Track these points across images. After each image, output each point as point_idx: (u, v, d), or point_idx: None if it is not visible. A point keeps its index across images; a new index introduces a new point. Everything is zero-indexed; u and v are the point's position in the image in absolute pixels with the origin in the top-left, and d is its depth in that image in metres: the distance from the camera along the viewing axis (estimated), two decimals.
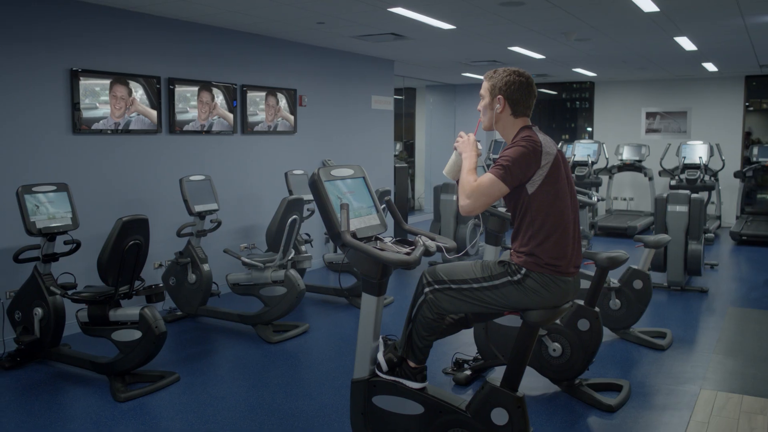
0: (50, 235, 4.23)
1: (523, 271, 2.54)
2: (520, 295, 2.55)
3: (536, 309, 2.56)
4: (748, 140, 10.92)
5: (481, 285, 2.59)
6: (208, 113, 6.07)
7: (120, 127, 5.29)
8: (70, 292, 4.10)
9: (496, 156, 10.63)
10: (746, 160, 10.44)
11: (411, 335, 2.75)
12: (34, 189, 4.24)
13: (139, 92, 5.41)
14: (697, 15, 5.69)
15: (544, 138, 2.61)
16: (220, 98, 6.19)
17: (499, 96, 2.65)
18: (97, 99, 5.11)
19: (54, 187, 4.36)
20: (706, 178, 9.66)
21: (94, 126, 5.11)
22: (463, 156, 2.69)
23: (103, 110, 5.16)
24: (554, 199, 2.54)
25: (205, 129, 6.05)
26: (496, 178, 2.48)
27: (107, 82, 5.16)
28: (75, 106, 4.96)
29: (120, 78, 5.25)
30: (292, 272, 4.91)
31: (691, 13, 5.63)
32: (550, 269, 2.52)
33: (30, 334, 4.26)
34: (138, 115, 5.43)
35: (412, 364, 2.75)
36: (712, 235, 8.80)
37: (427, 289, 2.69)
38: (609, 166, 10.72)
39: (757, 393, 3.88)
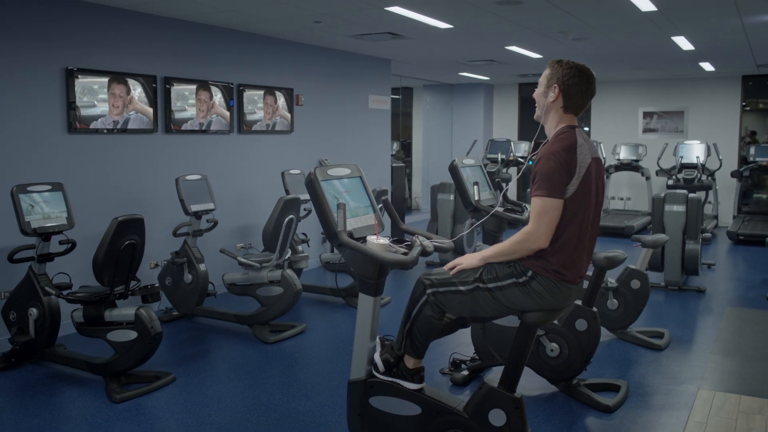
0: (45, 234, 4.20)
1: (529, 273, 2.51)
2: (524, 297, 2.52)
3: (537, 311, 2.55)
4: (751, 138, 10.91)
5: (486, 286, 2.57)
6: (206, 112, 6.05)
7: (119, 126, 5.26)
8: (65, 293, 4.07)
9: (493, 155, 10.61)
10: (743, 160, 10.45)
11: (412, 333, 2.72)
12: (29, 188, 4.21)
13: (137, 90, 5.38)
14: (694, 15, 5.69)
15: (582, 144, 2.50)
16: (218, 97, 6.17)
17: (555, 85, 2.58)
18: (96, 97, 5.08)
19: (49, 187, 4.33)
20: (704, 177, 9.66)
21: (93, 124, 5.08)
22: (481, 256, 2.60)
23: (102, 108, 5.13)
24: (579, 210, 2.47)
25: (203, 128, 6.03)
26: (546, 197, 2.41)
27: (105, 80, 5.13)
28: (70, 106, 4.93)
29: (117, 77, 5.22)
30: (289, 272, 4.89)
31: (689, 13, 5.63)
32: (557, 276, 2.49)
33: (25, 334, 4.24)
34: (136, 113, 5.40)
35: (409, 364, 2.73)
36: (709, 234, 8.77)
37: (429, 290, 2.67)
38: (606, 165, 10.71)
39: (755, 393, 3.87)
